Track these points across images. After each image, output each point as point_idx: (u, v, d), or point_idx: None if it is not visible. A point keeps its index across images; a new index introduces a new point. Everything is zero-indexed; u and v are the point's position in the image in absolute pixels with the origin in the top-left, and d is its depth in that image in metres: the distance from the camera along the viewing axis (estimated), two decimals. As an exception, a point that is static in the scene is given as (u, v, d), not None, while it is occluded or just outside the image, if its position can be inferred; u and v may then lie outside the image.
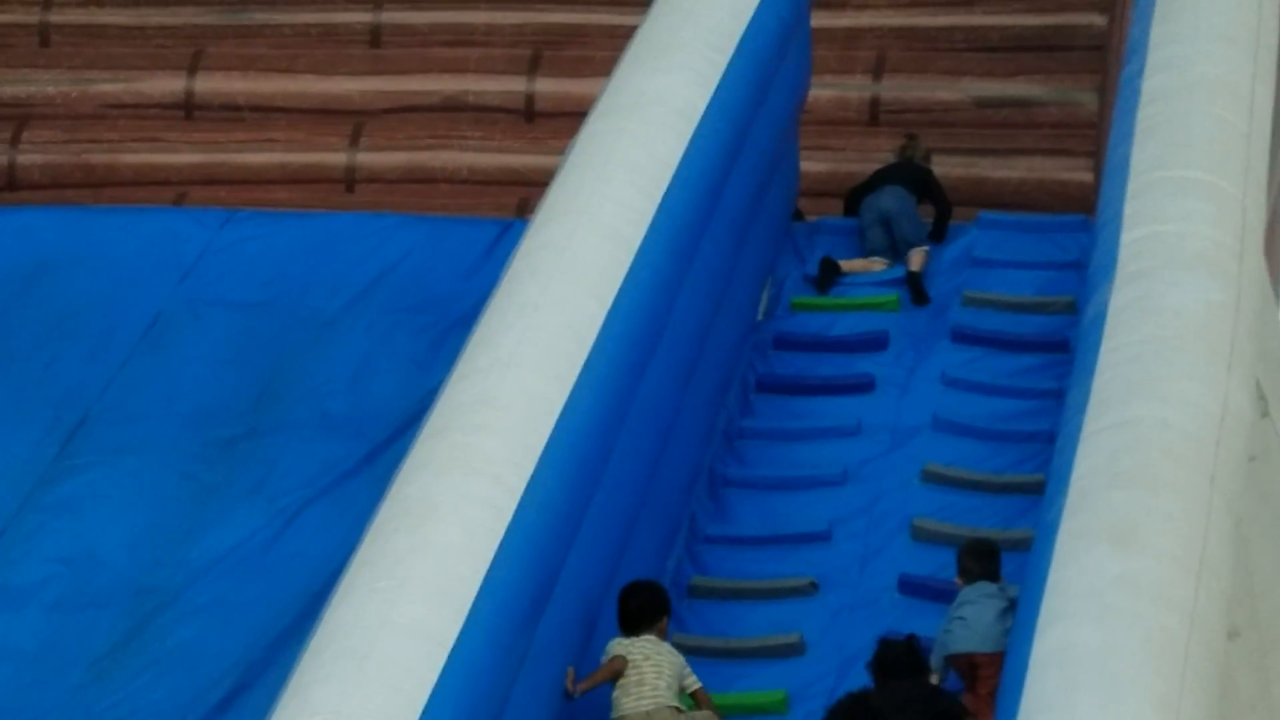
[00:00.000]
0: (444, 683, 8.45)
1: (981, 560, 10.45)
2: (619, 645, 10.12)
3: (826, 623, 10.86)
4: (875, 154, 15.53)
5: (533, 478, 9.40)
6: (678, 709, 10.08)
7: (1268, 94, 12.17)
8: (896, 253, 13.95)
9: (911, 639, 10.23)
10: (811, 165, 14.73)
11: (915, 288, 13.60)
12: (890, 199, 14.19)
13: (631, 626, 10.17)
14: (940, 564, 11.06)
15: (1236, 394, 9.81)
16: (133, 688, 10.86)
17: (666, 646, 10.19)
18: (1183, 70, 12.00)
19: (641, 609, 10.20)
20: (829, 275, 13.48)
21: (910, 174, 14.50)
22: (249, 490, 12.00)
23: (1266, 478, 10.90)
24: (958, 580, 10.41)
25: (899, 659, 10.07)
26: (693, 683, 10.23)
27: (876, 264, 13.88)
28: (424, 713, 8.29)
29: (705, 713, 10.25)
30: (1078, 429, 9.60)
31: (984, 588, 10.24)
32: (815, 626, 10.89)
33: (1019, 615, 9.00)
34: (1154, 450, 9.25)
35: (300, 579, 11.05)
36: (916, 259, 13.83)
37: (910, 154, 14.79)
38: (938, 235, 14.30)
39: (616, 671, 10.00)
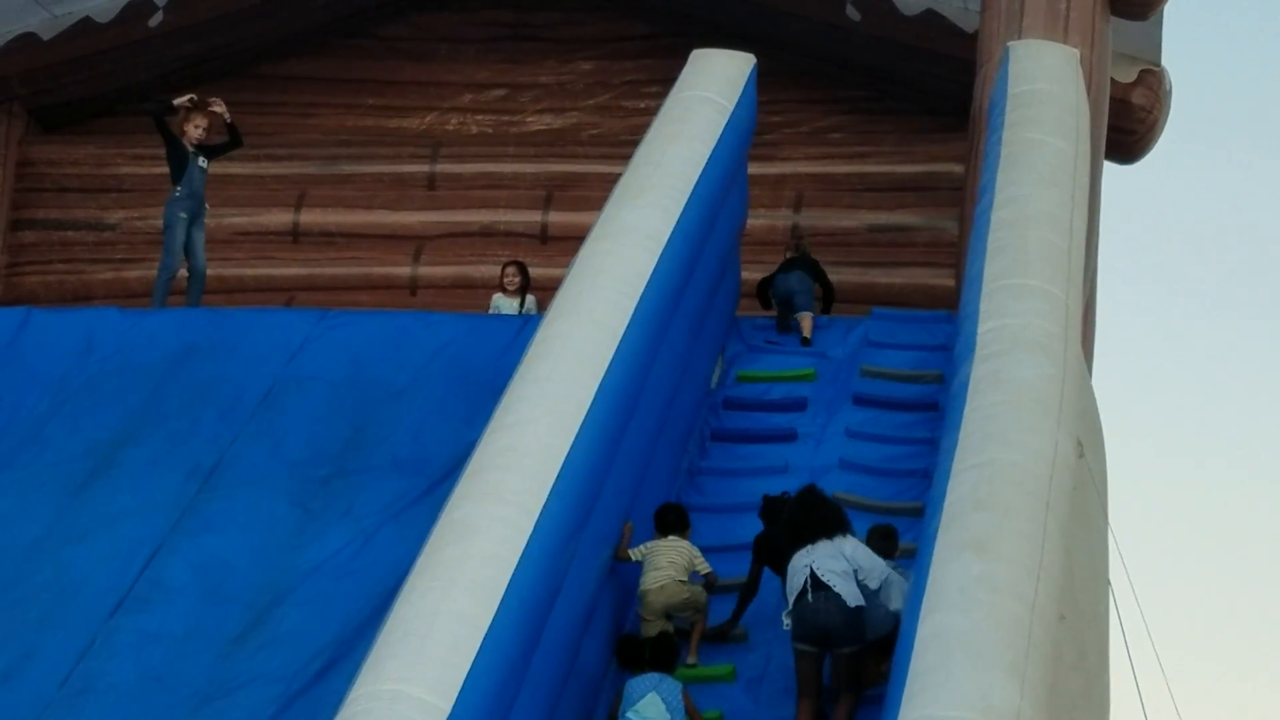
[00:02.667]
0: (481, 657, 8.42)
1: (884, 540, 10.37)
2: (646, 546, 10.68)
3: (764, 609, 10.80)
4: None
5: (545, 505, 9.37)
6: (683, 583, 10.53)
7: (1082, 222, 12.22)
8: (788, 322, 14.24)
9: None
10: (749, 274, 14.67)
11: (804, 340, 13.90)
12: (796, 281, 14.33)
13: (664, 530, 10.76)
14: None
15: (1063, 442, 9.82)
16: (255, 661, 10.76)
17: (685, 543, 10.73)
18: (1020, 206, 12.01)
19: (676, 519, 10.82)
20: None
21: (807, 263, 14.62)
22: (339, 515, 11.91)
23: (1082, 503, 10.88)
24: None
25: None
26: (703, 566, 10.69)
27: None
28: (466, 678, 8.26)
29: (698, 588, 10.59)
30: (948, 467, 9.58)
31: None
32: (756, 615, 10.85)
33: (908, 605, 8.97)
34: (1005, 483, 9.24)
35: (377, 581, 10.97)
36: (806, 323, 14.03)
37: (804, 249, 14.87)
38: (825, 307, 14.58)
39: (629, 558, 10.64)
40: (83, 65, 16.88)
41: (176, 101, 14.54)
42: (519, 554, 9.02)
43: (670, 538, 10.73)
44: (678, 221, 11.85)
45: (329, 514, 11.91)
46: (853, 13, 16.24)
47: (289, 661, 10.68)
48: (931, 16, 15.99)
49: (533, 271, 14.80)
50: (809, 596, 9.69)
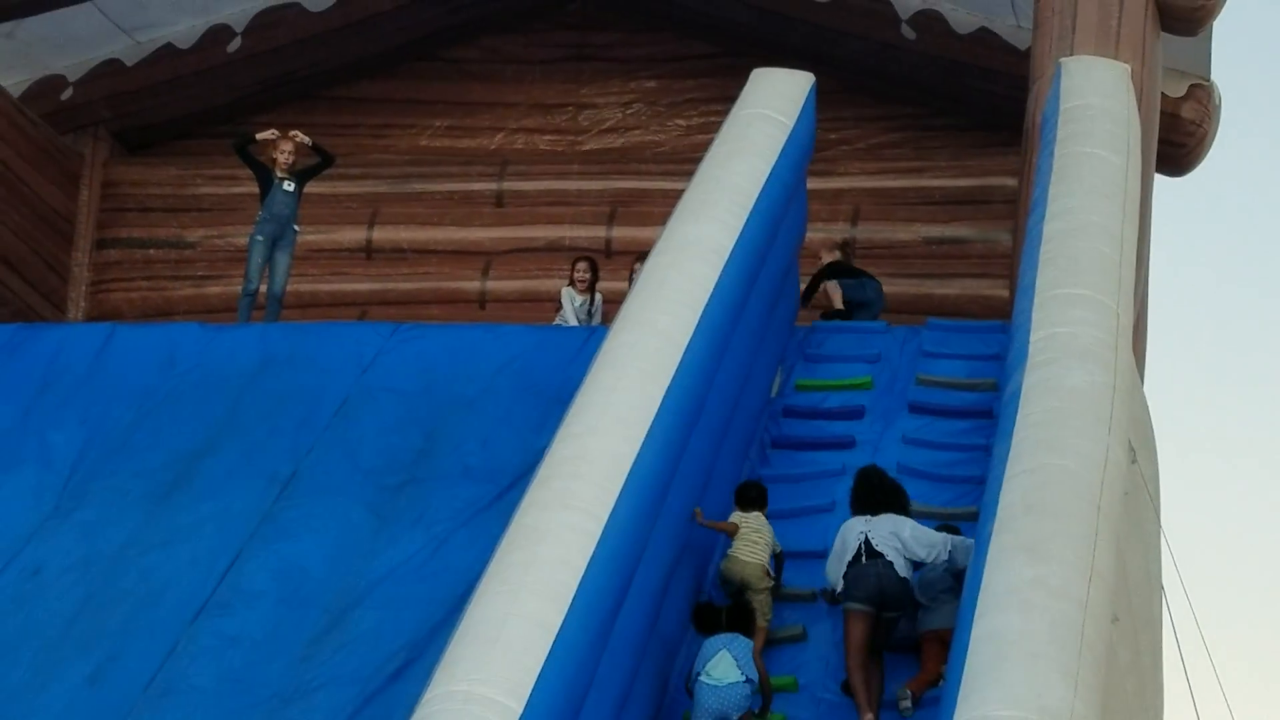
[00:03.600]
0: (551, 658, 8.43)
1: (948, 530, 10.49)
2: (738, 516, 10.81)
3: (823, 616, 10.81)
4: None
5: (612, 512, 9.38)
6: (767, 572, 10.69)
7: (1132, 233, 12.17)
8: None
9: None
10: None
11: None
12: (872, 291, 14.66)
13: (747, 505, 10.90)
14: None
15: (1115, 448, 9.77)
16: (333, 663, 10.79)
17: (766, 522, 10.85)
18: (1072, 218, 11.97)
19: (758, 495, 11.01)
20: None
21: (853, 267, 14.86)
22: (412, 522, 11.92)
23: (1135, 507, 10.85)
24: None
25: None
26: (778, 546, 10.89)
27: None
28: (537, 679, 8.28)
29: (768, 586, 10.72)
30: (1001, 473, 9.55)
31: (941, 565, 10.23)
32: (815, 619, 10.87)
33: (963, 608, 8.96)
34: (1057, 488, 9.21)
35: (449, 585, 10.97)
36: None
37: (850, 254, 14.99)
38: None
39: (733, 530, 10.74)
40: (164, 89, 17.02)
41: (259, 136, 14.62)
42: (588, 559, 9.03)
43: (754, 513, 10.92)
44: (739, 236, 11.84)
45: (402, 520, 11.93)
46: (908, 32, 16.23)
47: (364, 664, 10.70)
48: (985, 34, 15.98)
49: (599, 285, 14.83)
50: (863, 560, 10.07)
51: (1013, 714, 7.69)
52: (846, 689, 9.97)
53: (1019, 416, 9.96)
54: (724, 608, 10.20)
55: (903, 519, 10.33)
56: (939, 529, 10.63)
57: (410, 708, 8.38)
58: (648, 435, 9.99)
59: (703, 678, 9.64)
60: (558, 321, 14.73)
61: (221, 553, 11.70)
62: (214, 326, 14.42)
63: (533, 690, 8.22)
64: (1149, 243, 13.83)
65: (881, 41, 16.30)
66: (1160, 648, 11.54)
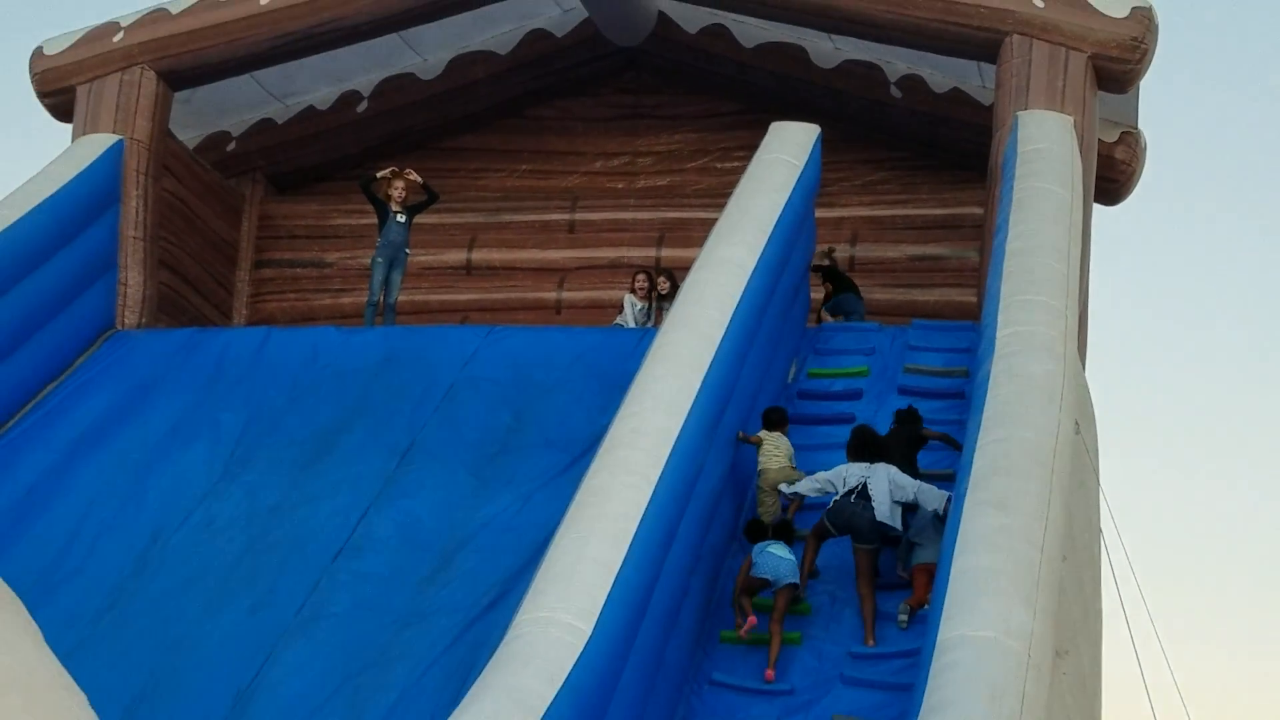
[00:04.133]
0: (614, 591, 8.45)
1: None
2: (764, 434, 11.06)
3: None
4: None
5: (661, 475, 9.40)
6: (793, 468, 10.92)
7: (1076, 251, 12.11)
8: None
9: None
10: (815, 294, 14.63)
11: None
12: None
13: (771, 426, 11.14)
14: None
15: (1064, 422, 9.74)
16: (442, 595, 10.82)
17: (785, 439, 11.12)
18: (1028, 239, 11.93)
19: (780, 418, 11.24)
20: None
21: (840, 274, 14.92)
22: (504, 483, 11.94)
23: (1079, 469, 10.80)
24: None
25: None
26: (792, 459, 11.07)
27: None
28: (604, 607, 8.28)
29: (799, 472, 10.88)
30: (974, 443, 9.53)
31: (930, 512, 10.19)
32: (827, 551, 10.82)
33: (944, 548, 8.91)
34: (1019, 454, 9.18)
35: (533, 533, 10.96)
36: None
37: (835, 259, 15.11)
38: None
39: (758, 442, 11.02)
40: (307, 142, 17.05)
41: (379, 174, 14.69)
42: (642, 512, 9.06)
43: (775, 433, 11.12)
44: (761, 255, 11.85)
45: (496, 482, 11.96)
46: (895, 92, 16.17)
47: (467, 596, 10.75)
48: (957, 93, 15.90)
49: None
50: (852, 499, 10.15)
51: (985, 633, 7.67)
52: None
53: (988, 397, 9.92)
54: (770, 525, 10.45)
55: (892, 468, 10.34)
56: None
57: (503, 630, 8.39)
58: (689, 414, 10.00)
59: (767, 549, 10.00)
60: (617, 322, 14.71)
61: (354, 508, 11.76)
62: (347, 329, 14.50)
63: (599, 615, 8.24)
64: (1089, 258, 13.71)
65: (874, 100, 16.22)
66: (1099, 579, 11.48)
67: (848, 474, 10.37)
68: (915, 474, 10.66)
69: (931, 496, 10.19)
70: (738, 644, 10.01)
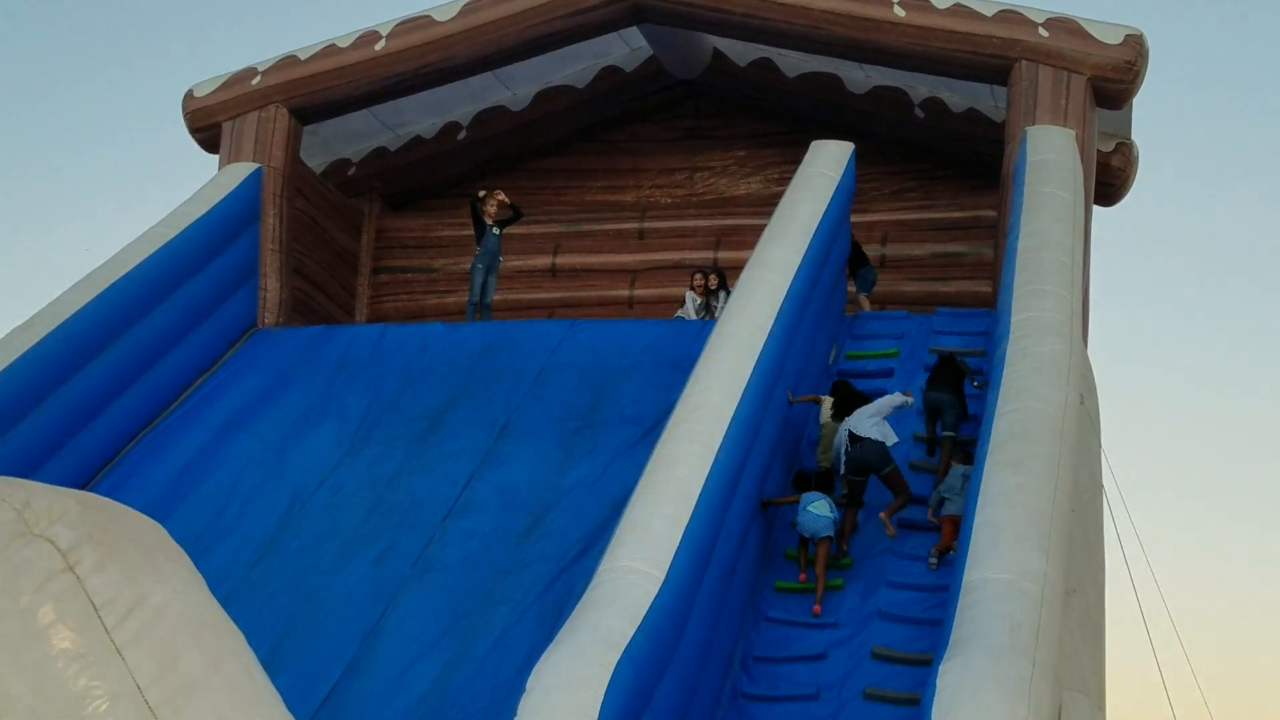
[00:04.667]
0: (683, 543, 8.44)
1: (961, 452, 10.39)
2: (822, 398, 11.30)
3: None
4: (883, 282, 15.36)
5: (721, 443, 9.37)
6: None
7: (1079, 247, 11.96)
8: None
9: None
10: (853, 288, 14.51)
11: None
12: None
13: (833, 394, 11.23)
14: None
15: (1071, 394, 9.64)
16: (535, 550, 10.82)
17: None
18: (1037, 237, 11.80)
19: (838, 385, 11.30)
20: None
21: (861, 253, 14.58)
22: (587, 453, 11.93)
23: (1084, 434, 10.69)
24: (936, 470, 10.50)
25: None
26: None
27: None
28: (674, 557, 8.28)
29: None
30: (993, 411, 9.44)
31: (959, 469, 10.14)
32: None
33: (968, 502, 8.84)
34: (1032, 422, 9.09)
35: (612, 496, 10.97)
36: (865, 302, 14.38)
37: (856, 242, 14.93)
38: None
39: (817, 400, 11.23)
40: (415, 166, 17.12)
41: (481, 194, 14.78)
42: (705, 476, 9.05)
43: (832, 397, 11.27)
44: (804, 255, 11.79)
45: (580, 453, 11.96)
46: (919, 112, 16.02)
47: (556, 549, 10.77)
48: (973, 112, 15.73)
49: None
50: (850, 448, 10.38)
51: (1004, 576, 7.61)
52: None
53: (1004, 373, 9.82)
54: (813, 474, 10.59)
55: (863, 408, 10.64)
56: (955, 455, 10.56)
57: (589, 578, 8.41)
58: (744, 392, 9.97)
59: (808, 509, 10.05)
60: (679, 314, 14.66)
61: (460, 476, 11.80)
62: (452, 325, 14.52)
63: (671, 564, 8.24)
64: (1090, 253, 13.54)
65: (900, 119, 16.09)
66: (1102, 529, 11.35)
67: (838, 438, 10.61)
68: (963, 399, 11.13)
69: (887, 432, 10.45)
70: (792, 592, 10.03)
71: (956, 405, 11.01)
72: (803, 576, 9.93)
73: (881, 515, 10.22)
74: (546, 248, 16.68)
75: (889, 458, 10.33)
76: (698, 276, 14.70)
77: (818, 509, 9.97)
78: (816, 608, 9.69)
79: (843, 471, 10.40)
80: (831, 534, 9.94)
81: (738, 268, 12.38)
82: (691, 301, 14.57)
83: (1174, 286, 28.95)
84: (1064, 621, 8.03)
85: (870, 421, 10.40)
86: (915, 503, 10.54)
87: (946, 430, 10.90)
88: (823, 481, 10.41)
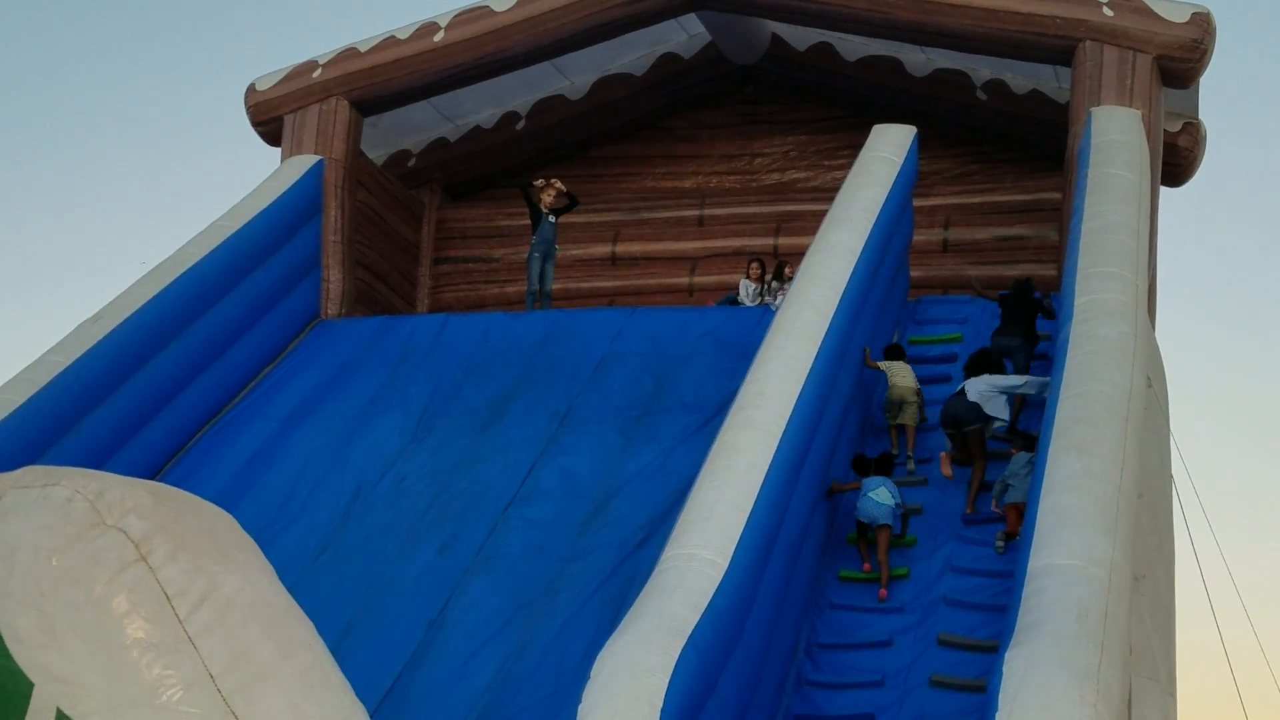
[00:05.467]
0: (746, 531, 8.43)
1: (1025, 438, 10.31)
2: (885, 364, 11.58)
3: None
4: (945, 266, 15.28)
5: (784, 430, 9.34)
6: (916, 391, 11.41)
7: (1145, 228, 11.79)
8: None
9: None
10: (914, 273, 14.41)
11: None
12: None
13: (892, 356, 11.76)
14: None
15: (1137, 378, 9.52)
16: (599, 537, 10.84)
17: (906, 365, 11.61)
18: (1102, 219, 11.64)
19: (899, 351, 11.83)
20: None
21: None
22: (648, 441, 11.94)
23: (1152, 418, 10.57)
24: (1012, 449, 10.41)
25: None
26: (915, 381, 11.53)
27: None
28: (737, 545, 8.27)
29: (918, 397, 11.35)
30: (1056, 395, 9.34)
31: (1023, 457, 10.08)
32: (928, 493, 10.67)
33: (1032, 488, 8.77)
34: (1097, 405, 8.99)
35: (674, 483, 10.99)
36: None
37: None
38: None
39: (885, 369, 11.52)
40: (475, 156, 17.19)
41: (536, 183, 14.80)
42: (768, 462, 9.02)
43: (897, 362, 11.61)
44: (866, 240, 11.72)
45: (641, 440, 11.98)
46: (981, 95, 15.88)
47: (619, 536, 10.79)
48: (1035, 94, 15.57)
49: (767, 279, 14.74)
50: (953, 400, 10.91)
51: (1070, 562, 7.53)
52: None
53: (1068, 357, 9.72)
54: (872, 459, 10.65)
55: (985, 376, 11.01)
56: (1016, 442, 10.47)
57: (651, 565, 8.42)
58: (807, 376, 9.93)
59: (868, 495, 10.18)
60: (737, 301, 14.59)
61: (522, 464, 11.83)
62: (513, 314, 14.55)
63: (734, 551, 8.22)
64: (1157, 234, 13.36)
65: (963, 102, 15.94)
66: (1171, 514, 11.22)
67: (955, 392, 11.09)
68: (1034, 333, 11.54)
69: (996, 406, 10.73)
70: (856, 581, 10.07)
71: (1026, 347, 11.47)
72: (866, 566, 9.94)
73: (943, 454, 10.69)
74: (606, 236, 16.69)
75: (978, 418, 10.62)
76: (754, 265, 14.66)
77: (878, 496, 9.97)
78: (882, 592, 9.77)
79: (941, 422, 10.97)
80: (891, 521, 9.91)
81: (799, 254, 12.35)
82: (746, 289, 14.53)
83: (1244, 268, 28.51)
84: (1133, 607, 7.94)
85: (983, 387, 10.79)
86: (983, 489, 10.47)
87: (1017, 370, 11.44)
88: (882, 465, 10.36)
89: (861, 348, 11.58)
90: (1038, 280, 14.76)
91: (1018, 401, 11.18)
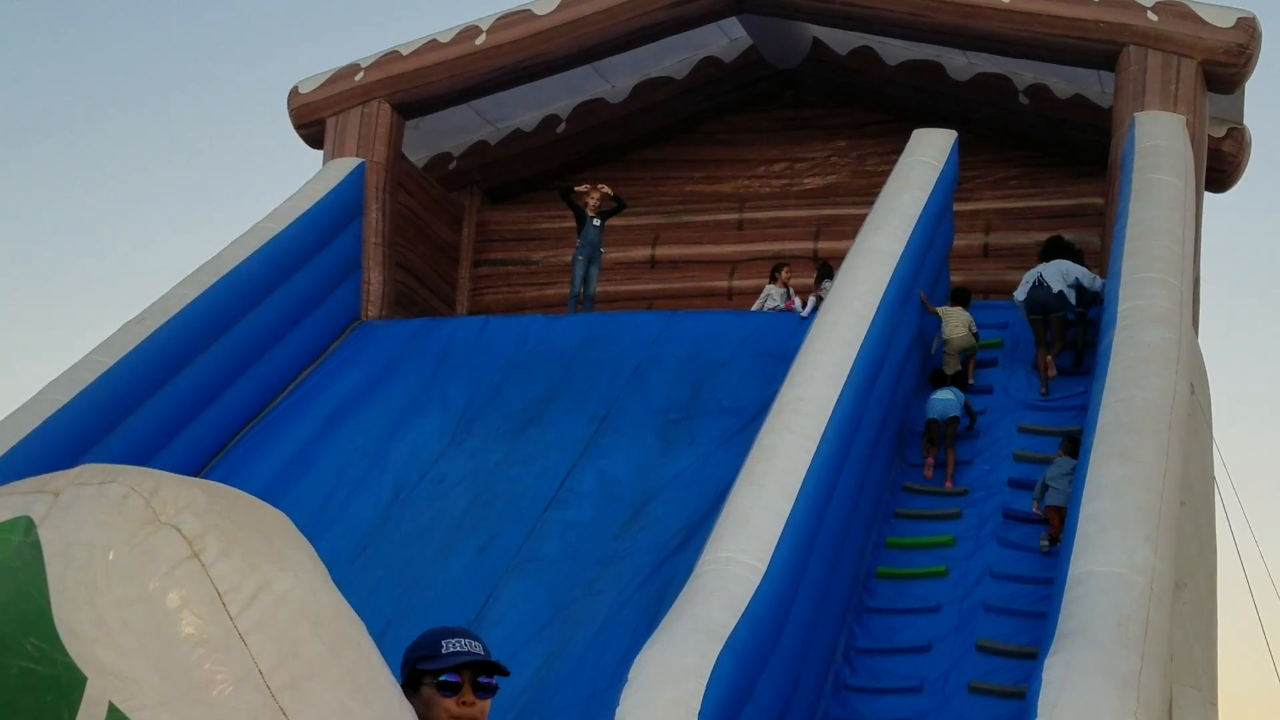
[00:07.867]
0: (784, 535, 8.43)
1: (1071, 442, 10.32)
2: (944, 310, 12.21)
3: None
4: (986, 271, 15.22)
5: (823, 434, 9.34)
6: (973, 335, 12.08)
7: (1190, 233, 11.75)
8: None
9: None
10: (955, 278, 14.35)
11: None
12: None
13: (954, 302, 12.45)
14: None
15: (1180, 384, 9.47)
16: (636, 540, 10.88)
17: (964, 311, 12.22)
18: (1146, 224, 11.59)
19: (962, 296, 12.43)
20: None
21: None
22: (687, 444, 11.97)
23: (1195, 425, 10.50)
24: (1058, 453, 10.40)
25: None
26: (974, 327, 12.19)
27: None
28: (776, 548, 8.27)
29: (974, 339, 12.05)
30: (1099, 401, 9.31)
31: (1066, 462, 10.08)
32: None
33: (1074, 494, 8.73)
34: (1140, 412, 8.95)
35: (712, 487, 11.00)
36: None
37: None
38: None
39: (934, 312, 12.09)
40: (515, 159, 17.25)
41: (577, 189, 14.84)
42: (806, 467, 9.02)
43: (958, 308, 12.24)
44: (906, 245, 11.71)
45: (680, 443, 12.01)
46: (1023, 99, 15.82)
47: (656, 540, 10.82)
48: (1078, 99, 15.49)
49: (808, 282, 14.68)
50: (1034, 288, 11.85)
51: (1111, 569, 7.50)
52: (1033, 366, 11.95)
53: (1111, 363, 9.68)
54: (946, 375, 11.72)
55: (1060, 261, 11.97)
56: (1062, 445, 10.45)
57: (689, 569, 8.44)
58: (846, 381, 9.93)
59: (933, 395, 11.27)
60: (755, 307, 14.42)
61: (561, 467, 11.88)
62: (552, 317, 14.61)
63: (772, 555, 8.23)
64: (1200, 239, 13.28)
65: (1004, 107, 15.89)
66: (1214, 521, 11.15)
67: (1028, 276, 12.04)
68: (1069, 301, 12.04)
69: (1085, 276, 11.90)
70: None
71: (1062, 310, 11.96)
72: (929, 460, 10.89)
73: (1049, 358, 11.66)
74: (645, 239, 16.72)
75: (1065, 305, 11.73)
76: (786, 270, 14.58)
77: (944, 395, 11.11)
78: (949, 483, 10.77)
79: (1026, 310, 11.85)
80: (958, 414, 11.02)
81: (838, 258, 12.33)
82: (771, 295, 14.42)
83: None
84: (1175, 615, 7.90)
85: (1060, 277, 11.80)
86: (1021, 487, 10.46)
87: (1055, 338, 11.86)
88: (956, 378, 11.60)
89: (917, 293, 11.96)
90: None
91: (1066, 321, 11.91)
